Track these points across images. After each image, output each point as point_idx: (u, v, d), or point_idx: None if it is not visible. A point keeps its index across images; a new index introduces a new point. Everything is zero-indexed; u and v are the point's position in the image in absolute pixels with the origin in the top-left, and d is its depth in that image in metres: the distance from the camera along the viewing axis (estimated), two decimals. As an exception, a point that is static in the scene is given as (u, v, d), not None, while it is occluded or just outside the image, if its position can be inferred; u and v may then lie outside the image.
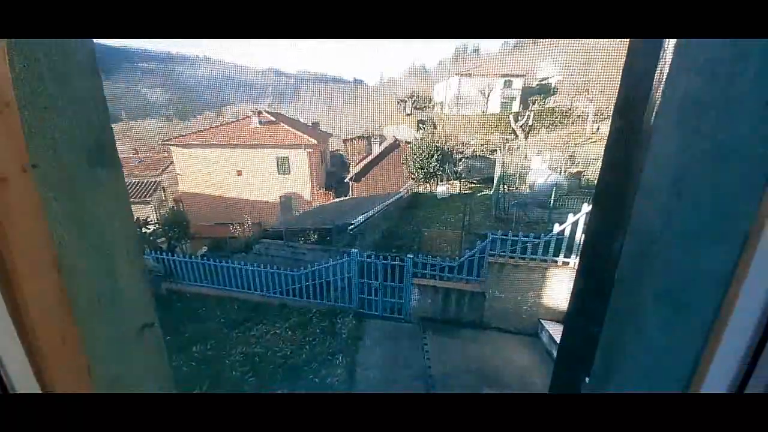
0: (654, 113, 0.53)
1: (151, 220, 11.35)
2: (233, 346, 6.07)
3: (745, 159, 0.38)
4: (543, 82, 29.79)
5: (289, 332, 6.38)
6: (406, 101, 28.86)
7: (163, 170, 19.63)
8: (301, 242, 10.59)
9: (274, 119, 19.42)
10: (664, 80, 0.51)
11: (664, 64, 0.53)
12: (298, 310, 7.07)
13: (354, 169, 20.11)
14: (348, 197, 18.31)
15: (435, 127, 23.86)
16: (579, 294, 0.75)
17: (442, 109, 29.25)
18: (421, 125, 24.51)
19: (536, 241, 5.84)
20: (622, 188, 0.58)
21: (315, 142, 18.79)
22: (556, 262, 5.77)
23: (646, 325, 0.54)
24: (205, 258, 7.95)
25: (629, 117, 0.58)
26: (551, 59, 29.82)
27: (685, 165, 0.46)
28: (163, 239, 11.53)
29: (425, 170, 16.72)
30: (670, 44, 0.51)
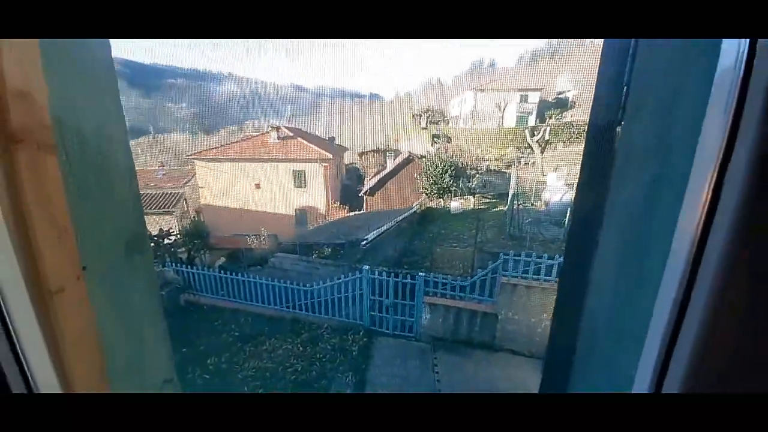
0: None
1: (173, 231, 11.83)
2: (246, 359, 6.18)
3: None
4: (560, 96, 29.53)
5: (300, 348, 6.45)
6: (421, 115, 29.18)
7: (186, 182, 20.42)
8: (315, 256, 10.75)
9: (291, 134, 20.02)
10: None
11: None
12: (310, 325, 7.15)
13: (369, 183, 20.36)
14: (362, 211, 18.50)
15: (450, 142, 23.95)
16: (561, 304, 0.80)
17: (457, 123, 29.38)
18: (435, 139, 24.67)
19: (549, 262, 5.75)
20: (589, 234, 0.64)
21: (331, 156, 19.20)
22: (571, 284, 5.66)
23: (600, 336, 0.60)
24: (221, 270, 8.20)
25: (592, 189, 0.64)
26: (568, 73, 29.62)
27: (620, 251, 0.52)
28: (183, 250, 11.97)
29: (438, 186, 16.74)
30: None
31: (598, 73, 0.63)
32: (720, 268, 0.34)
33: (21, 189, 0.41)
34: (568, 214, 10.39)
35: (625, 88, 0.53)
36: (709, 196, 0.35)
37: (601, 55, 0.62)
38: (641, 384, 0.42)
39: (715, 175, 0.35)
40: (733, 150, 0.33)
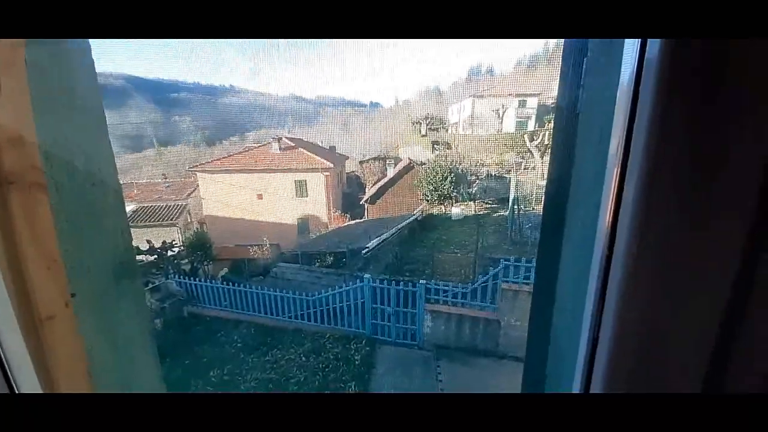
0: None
1: (177, 243, 11.91)
2: (249, 371, 6.18)
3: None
4: (559, 101, 29.61)
5: (303, 358, 6.44)
6: (420, 123, 29.34)
7: (189, 194, 20.58)
8: (317, 265, 10.76)
9: (293, 144, 20.21)
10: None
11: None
12: (312, 335, 7.14)
13: (369, 191, 20.43)
14: (363, 219, 18.54)
15: (449, 148, 24.05)
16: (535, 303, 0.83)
17: (456, 130, 29.54)
18: (435, 146, 24.78)
19: (550, 267, 5.73)
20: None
21: (332, 165, 19.33)
22: (572, 289, 5.63)
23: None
24: (224, 282, 8.24)
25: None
26: (566, 78, 29.64)
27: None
28: (186, 261, 12.03)
29: (439, 192, 16.78)
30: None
31: (557, 101, 0.66)
32: (622, 280, 0.37)
33: (13, 226, 0.45)
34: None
35: (578, 116, 0.57)
36: (612, 209, 0.38)
37: (559, 79, 0.66)
38: (576, 385, 0.45)
39: (615, 190, 0.37)
40: (629, 158, 0.36)
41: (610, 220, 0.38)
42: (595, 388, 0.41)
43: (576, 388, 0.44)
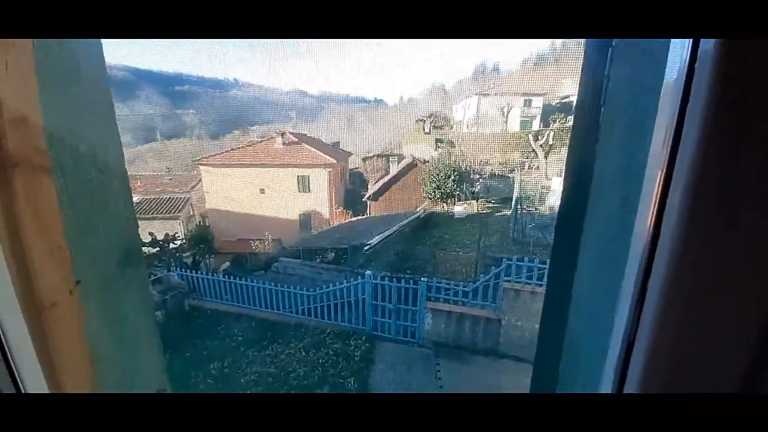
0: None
1: (179, 236, 11.94)
2: (249, 364, 6.20)
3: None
4: (564, 100, 29.43)
5: (303, 353, 6.45)
6: (424, 120, 29.23)
7: (192, 187, 20.62)
8: (318, 261, 10.78)
9: (296, 140, 20.17)
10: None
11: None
12: (313, 330, 7.16)
13: (372, 188, 20.41)
14: (365, 216, 18.53)
15: (453, 146, 23.96)
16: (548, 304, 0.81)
17: (460, 128, 29.42)
18: (439, 144, 24.70)
19: (553, 268, 5.71)
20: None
21: (335, 161, 19.30)
22: (575, 290, 5.60)
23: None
24: (226, 275, 8.26)
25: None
26: (573, 77, 29.49)
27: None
28: (189, 254, 12.06)
29: (442, 190, 16.74)
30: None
31: (579, 91, 0.64)
32: (664, 281, 0.35)
33: (17, 209, 0.43)
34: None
35: (601, 108, 0.54)
36: (655, 211, 0.36)
37: (582, 70, 0.63)
38: (606, 386, 0.43)
39: (660, 189, 0.36)
40: (676, 159, 0.34)
41: (653, 221, 0.37)
42: (630, 388, 0.40)
43: (606, 389, 0.43)
